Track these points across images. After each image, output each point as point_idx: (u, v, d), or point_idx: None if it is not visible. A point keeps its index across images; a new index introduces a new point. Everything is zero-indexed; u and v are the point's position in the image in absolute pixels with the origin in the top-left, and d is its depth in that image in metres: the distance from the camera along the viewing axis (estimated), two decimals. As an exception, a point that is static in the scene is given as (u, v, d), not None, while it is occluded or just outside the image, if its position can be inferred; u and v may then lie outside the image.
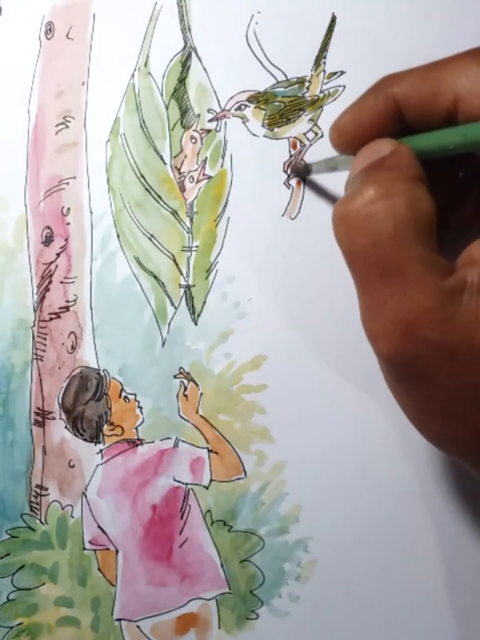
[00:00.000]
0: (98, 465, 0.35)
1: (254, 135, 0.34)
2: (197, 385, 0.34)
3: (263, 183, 0.34)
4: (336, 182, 0.34)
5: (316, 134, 0.34)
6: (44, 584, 0.35)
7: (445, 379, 0.23)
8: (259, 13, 0.34)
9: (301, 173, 0.34)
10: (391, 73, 0.27)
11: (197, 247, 0.34)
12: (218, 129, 0.34)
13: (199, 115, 0.35)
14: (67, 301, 0.35)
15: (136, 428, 0.35)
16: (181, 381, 0.34)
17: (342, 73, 0.34)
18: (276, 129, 0.34)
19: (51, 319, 0.35)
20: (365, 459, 0.33)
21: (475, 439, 0.24)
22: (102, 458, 0.35)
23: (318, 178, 0.34)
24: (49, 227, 0.36)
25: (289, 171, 0.34)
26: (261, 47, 0.34)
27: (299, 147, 0.34)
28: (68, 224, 0.35)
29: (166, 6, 0.35)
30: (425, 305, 0.22)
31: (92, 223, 0.35)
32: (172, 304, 0.35)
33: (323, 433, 0.33)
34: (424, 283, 0.23)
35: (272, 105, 0.34)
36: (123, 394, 0.35)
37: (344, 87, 0.34)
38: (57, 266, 0.35)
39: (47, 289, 0.35)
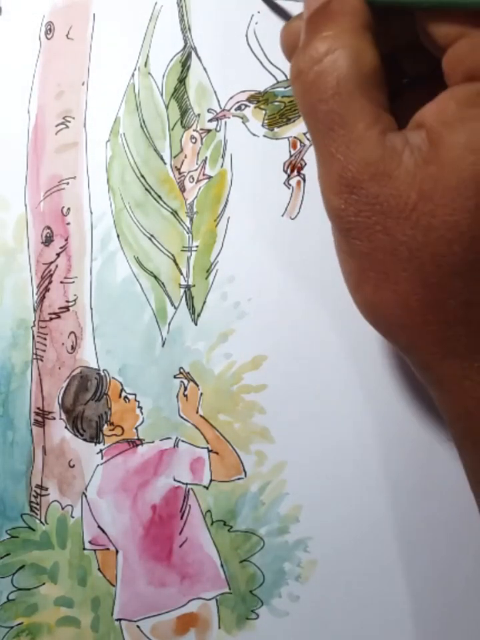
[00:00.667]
0: (98, 465, 0.35)
1: (254, 134, 0.34)
2: (197, 385, 0.34)
3: (263, 183, 0.34)
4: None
5: (316, 134, 0.34)
6: (44, 584, 0.35)
7: (382, 237, 0.24)
8: (259, 12, 0.34)
9: None
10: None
11: (196, 247, 0.35)
12: (218, 128, 0.34)
13: (198, 115, 0.35)
14: (67, 301, 0.35)
15: (136, 428, 0.35)
16: (181, 381, 0.34)
17: (342, 72, 0.34)
18: (276, 129, 0.34)
19: (51, 319, 0.35)
20: (365, 459, 0.33)
21: (401, 305, 0.24)
22: (102, 458, 0.35)
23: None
24: (48, 227, 0.36)
25: None
26: (261, 47, 0.34)
27: (298, 146, 0.34)
28: (68, 224, 0.35)
29: (166, 6, 0.35)
30: (366, 157, 0.23)
31: (92, 223, 0.35)
32: (172, 304, 0.35)
33: (322, 433, 0.33)
34: (367, 135, 0.23)
35: (272, 105, 0.34)
36: (123, 394, 0.35)
37: (344, 86, 0.34)
38: (56, 266, 0.35)
39: (46, 289, 0.35)
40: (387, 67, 0.25)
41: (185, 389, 0.34)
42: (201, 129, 0.35)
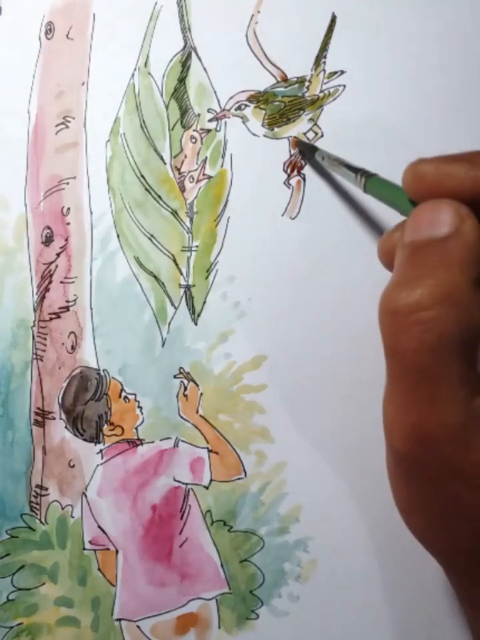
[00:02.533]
0: (98, 465, 0.35)
1: (254, 134, 0.34)
2: (197, 385, 0.34)
3: (263, 183, 0.34)
4: (336, 182, 0.34)
5: (316, 134, 0.34)
6: (44, 584, 0.35)
7: (445, 492, 0.23)
8: (258, 12, 0.34)
9: (306, 150, 0.33)
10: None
11: (197, 247, 0.34)
12: (218, 128, 0.34)
13: (199, 115, 0.35)
14: (67, 301, 0.35)
15: (136, 428, 0.35)
16: (181, 381, 0.34)
17: (342, 72, 0.34)
18: (276, 129, 0.34)
19: (51, 319, 0.35)
20: (364, 459, 0.33)
21: (451, 543, 0.24)
22: (102, 458, 0.35)
23: (318, 177, 0.34)
24: (48, 227, 0.36)
25: (297, 146, 0.33)
26: (261, 47, 0.34)
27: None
28: (68, 224, 0.35)
29: (166, 6, 0.35)
30: (448, 421, 0.22)
31: (92, 222, 0.35)
32: (172, 304, 0.35)
33: (322, 433, 0.33)
34: (454, 398, 0.22)
35: (272, 105, 0.34)
36: (123, 394, 0.35)
37: (344, 86, 0.34)
38: (56, 266, 0.35)
39: (46, 289, 0.35)
40: None
41: (185, 388, 0.34)
42: (201, 129, 0.35)
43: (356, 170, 0.28)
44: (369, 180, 0.28)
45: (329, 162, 0.31)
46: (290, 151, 0.34)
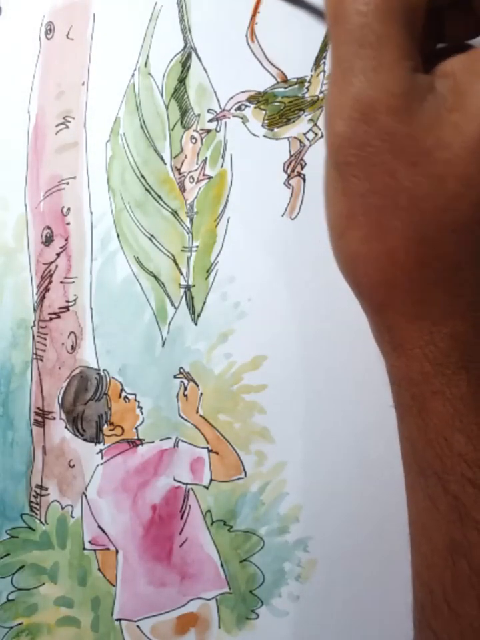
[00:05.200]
0: (98, 465, 0.35)
1: (254, 135, 0.34)
2: (197, 385, 0.34)
3: (263, 183, 0.34)
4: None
5: (316, 134, 0.34)
6: (44, 584, 0.35)
7: (384, 179, 0.22)
8: (258, 13, 0.34)
9: None
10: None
11: (196, 247, 0.35)
12: (218, 129, 0.34)
13: (199, 115, 0.35)
14: (67, 301, 0.35)
15: (136, 428, 0.35)
16: (181, 381, 0.34)
17: (342, 73, 0.34)
18: (276, 129, 0.34)
19: (51, 319, 0.35)
20: (364, 459, 0.33)
21: (388, 259, 0.23)
22: (102, 458, 0.35)
23: (318, 177, 0.34)
24: (49, 227, 0.36)
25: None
26: (261, 47, 0.34)
27: (298, 146, 0.34)
28: (68, 224, 0.35)
29: (166, 6, 0.35)
30: (391, 88, 0.21)
31: (92, 223, 0.35)
32: (172, 304, 0.35)
33: (322, 433, 0.33)
34: (397, 66, 0.22)
35: (272, 105, 0.34)
36: (123, 394, 0.35)
37: (344, 87, 0.34)
38: (56, 266, 0.35)
39: (46, 289, 0.35)
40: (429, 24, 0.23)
41: (185, 389, 0.34)
42: (201, 129, 0.35)
43: None
44: None
45: None
46: (290, 151, 0.34)
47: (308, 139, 0.34)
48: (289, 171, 0.34)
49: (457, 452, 0.22)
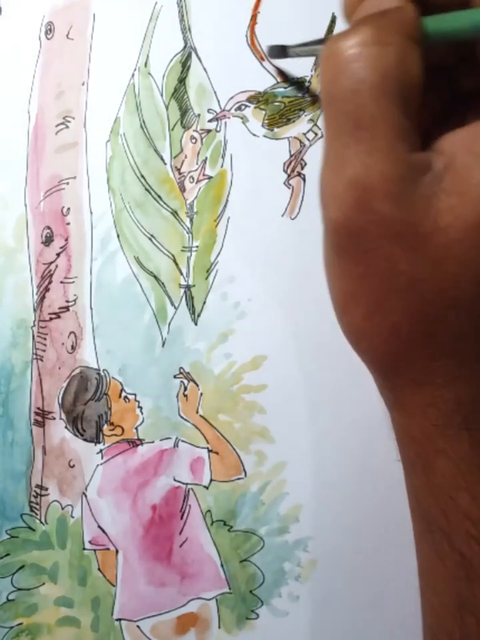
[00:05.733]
0: (98, 465, 0.35)
1: (254, 135, 0.34)
2: (197, 385, 0.34)
3: (263, 183, 0.34)
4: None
5: (316, 134, 0.34)
6: (44, 584, 0.35)
7: (382, 263, 0.22)
8: (259, 12, 0.34)
9: (276, 54, 0.32)
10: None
11: (197, 247, 0.35)
12: (218, 129, 0.34)
13: (199, 115, 0.35)
14: (67, 301, 0.35)
15: (136, 428, 0.35)
16: (181, 381, 0.34)
17: (342, 73, 0.34)
18: (276, 129, 0.34)
19: (51, 319, 0.35)
20: (365, 459, 0.33)
21: (391, 334, 0.23)
22: (102, 458, 0.35)
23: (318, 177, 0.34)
24: (49, 227, 0.36)
25: (266, 52, 0.32)
26: (261, 46, 0.34)
27: (298, 146, 0.34)
28: (68, 224, 0.35)
29: (166, 6, 0.35)
30: (387, 171, 0.21)
31: (92, 223, 0.35)
32: (172, 304, 0.35)
33: (322, 433, 0.33)
34: (393, 148, 0.21)
35: (272, 105, 0.34)
36: (123, 394, 0.35)
37: (344, 87, 0.34)
38: (56, 266, 0.35)
39: (46, 289, 0.35)
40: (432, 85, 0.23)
41: (185, 389, 0.34)
42: (201, 129, 0.35)
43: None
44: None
45: (305, 50, 0.30)
46: (290, 151, 0.34)
47: (308, 139, 0.34)
48: (288, 171, 0.34)
49: (462, 511, 0.23)
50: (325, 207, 0.23)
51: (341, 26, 0.34)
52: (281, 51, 0.32)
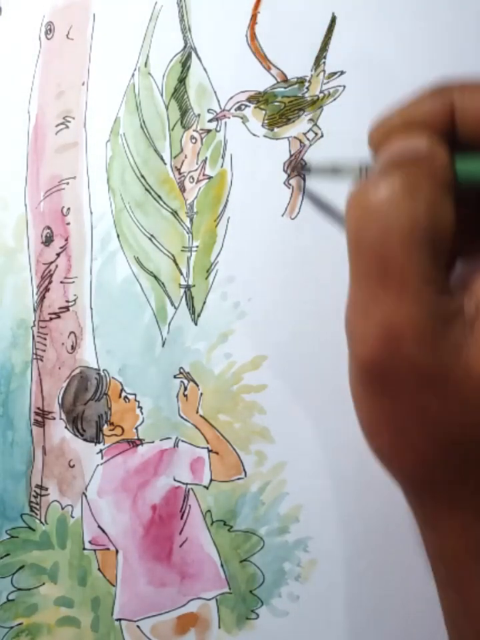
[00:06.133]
0: (98, 465, 0.35)
1: (254, 135, 0.34)
2: (197, 385, 0.34)
3: (263, 183, 0.34)
4: (337, 183, 0.34)
5: (316, 134, 0.34)
6: (44, 584, 0.35)
7: (410, 401, 0.22)
8: (259, 12, 0.34)
9: (299, 171, 0.33)
10: (400, 90, 0.26)
11: (197, 247, 0.35)
12: (218, 128, 0.34)
13: (199, 115, 0.35)
14: (67, 301, 0.35)
15: (136, 428, 0.35)
16: (181, 381, 0.34)
17: (342, 73, 0.34)
18: (276, 129, 0.34)
19: (51, 319, 0.35)
20: (365, 459, 0.33)
21: (416, 460, 0.23)
22: (102, 458, 0.35)
23: (318, 177, 0.34)
24: (49, 227, 0.36)
25: (288, 170, 0.33)
26: (261, 47, 0.34)
27: (298, 146, 0.34)
28: (68, 224, 0.35)
29: (166, 6, 0.35)
30: (416, 318, 0.21)
31: (92, 223, 0.35)
32: (172, 304, 0.35)
33: (322, 433, 0.33)
34: (423, 296, 0.21)
35: (272, 105, 0.34)
36: (123, 394, 0.35)
37: (344, 87, 0.34)
38: (56, 266, 0.35)
39: (46, 289, 0.35)
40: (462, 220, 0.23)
41: (185, 389, 0.34)
42: (201, 129, 0.35)
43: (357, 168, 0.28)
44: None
45: (328, 167, 0.31)
46: (290, 151, 0.34)
47: (308, 139, 0.34)
48: (289, 171, 0.34)
49: None
50: (353, 345, 0.23)
51: (341, 26, 0.34)
52: (302, 168, 0.33)
